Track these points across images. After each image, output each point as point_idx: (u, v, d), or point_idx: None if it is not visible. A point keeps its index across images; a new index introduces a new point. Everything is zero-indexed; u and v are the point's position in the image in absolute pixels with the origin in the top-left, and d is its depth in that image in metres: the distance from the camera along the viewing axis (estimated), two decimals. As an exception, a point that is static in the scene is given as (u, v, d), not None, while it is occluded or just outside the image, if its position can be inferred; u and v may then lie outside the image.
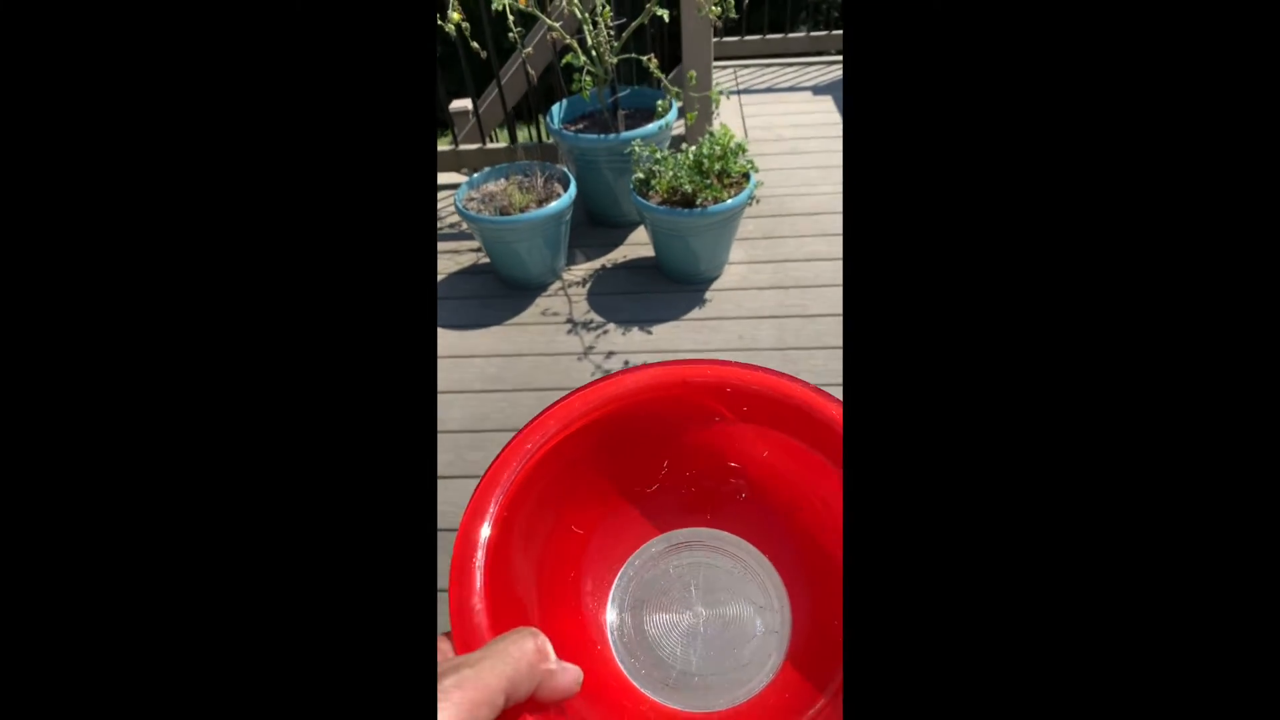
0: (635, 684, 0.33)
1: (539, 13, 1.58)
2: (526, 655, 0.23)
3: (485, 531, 0.30)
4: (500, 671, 0.22)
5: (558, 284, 1.73)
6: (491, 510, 0.31)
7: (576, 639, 0.34)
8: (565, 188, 1.64)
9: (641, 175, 1.53)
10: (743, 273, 1.69)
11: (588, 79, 1.66)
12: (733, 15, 1.38)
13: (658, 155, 1.53)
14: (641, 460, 0.38)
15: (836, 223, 1.83)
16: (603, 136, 1.67)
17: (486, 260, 1.75)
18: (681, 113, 1.82)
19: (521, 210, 1.57)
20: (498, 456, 0.33)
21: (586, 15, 1.57)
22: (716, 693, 0.33)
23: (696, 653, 0.34)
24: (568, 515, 0.36)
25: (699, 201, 1.45)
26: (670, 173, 1.48)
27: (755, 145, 2.25)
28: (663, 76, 1.55)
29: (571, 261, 1.80)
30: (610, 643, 0.35)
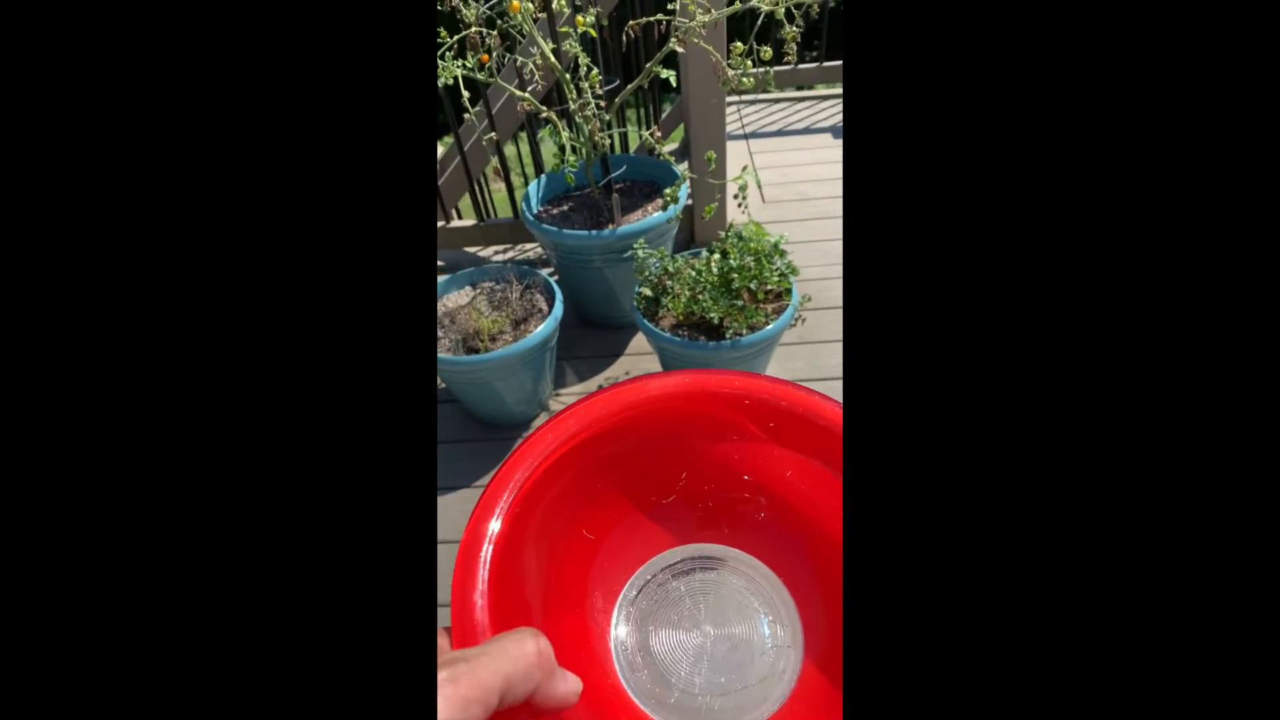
0: (636, 701, 0.32)
1: (498, 80, 1.21)
2: (526, 656, 0.22)
3: (494, 527, 0.30)
4: (497, 670, 0.21)
5: (544, 417, 1.36)
6: (502, 506, 0.31)
7: (579, 647, 0.33)
8: (549, 300, 1.27)
9: (649, 292, 1.17)
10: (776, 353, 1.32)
11: (571, 158, 1.29)
12: (771, 88, 1.02)
13: (669, 265, 1.16)
14: (660, 469, 0.37)
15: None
16: (595, 233, 1.30)
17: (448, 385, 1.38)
18: (684, 158, 1.45)
19: (493, 338, 1.20)
20: (512, 453, 0.33)
21: (568, 78, 1.21)
22: (720, 716, 0.32)
23: (702, 674, 0.33)
24: (581, 518, 0.35)
25: (728, 333, 1.08)
26: (687, 292, 1.11)
27: (773, 207, 1.88)
28: (671, 160, 1.18)
29: (561, 383, 1.43)
30: (613, 655, 0.33)
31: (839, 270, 1.61)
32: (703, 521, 0.37)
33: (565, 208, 1.48)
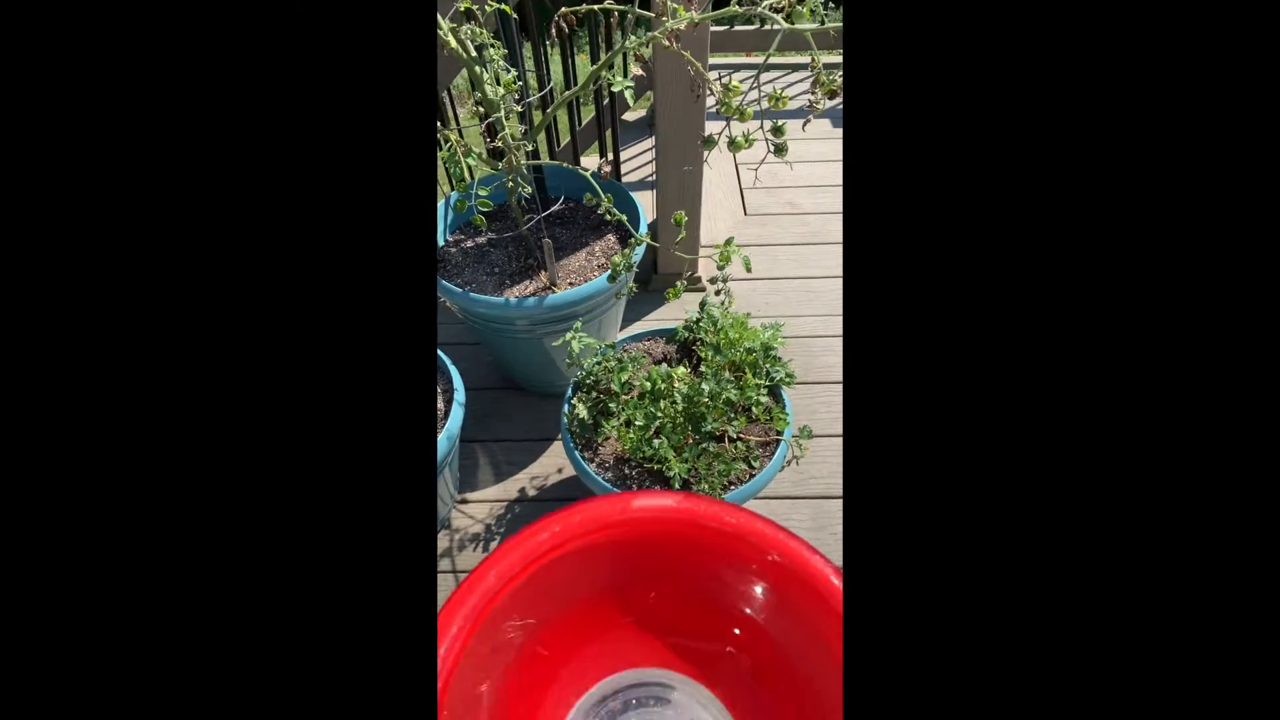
0: None
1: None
2: None
3: (452, 635, 0.34)
4: None
5: (444, 538, 1.01)
6: (461, 620, 0.35)
7: None
8: (445, 389, 0.90)
9: (584, 413, 0.81)
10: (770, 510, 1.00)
11: (482, 191, 0.90)
12: (780, 146, 0.65)
13: (615, 377, 0.80)
14: (641, 590, 0.41)
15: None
16: (515, 301, 0.92)
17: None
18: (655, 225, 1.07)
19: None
20: (494, 551, 0.38)
21: (479, 72, 0.80)
22: None
23: None
24: (543, 632, 0.38)
25: (696, 490, 0.74)
26: (641, 422, 0.76)
27: (755, 224, 1.50)
28: (623, 218, 0.81)
29: (470, 484, 1.07)
30: None
31: (836, 325, 1.27)
32: (663, 647, 0.40)
33: (481, 241, 1.08)
